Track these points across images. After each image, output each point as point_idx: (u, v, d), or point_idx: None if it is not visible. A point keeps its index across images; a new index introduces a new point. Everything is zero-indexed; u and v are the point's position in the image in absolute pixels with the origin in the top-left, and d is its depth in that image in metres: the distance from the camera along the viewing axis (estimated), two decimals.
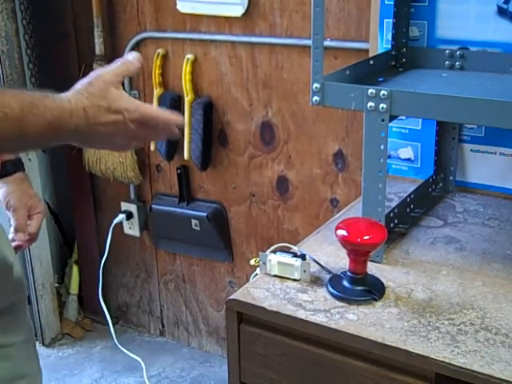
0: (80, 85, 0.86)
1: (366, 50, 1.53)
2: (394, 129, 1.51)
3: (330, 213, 1.84)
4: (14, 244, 1.13)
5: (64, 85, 0.89)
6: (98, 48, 2.02)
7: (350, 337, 0.97)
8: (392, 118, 1.11)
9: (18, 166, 1.20)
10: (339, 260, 1.15)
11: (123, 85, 0.91)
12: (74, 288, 2.47)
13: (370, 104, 1.09)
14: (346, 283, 1.07)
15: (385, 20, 1.45)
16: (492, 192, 1.44)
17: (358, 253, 1.04)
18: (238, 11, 1.81)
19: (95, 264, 2.31)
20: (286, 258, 1.11)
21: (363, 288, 1.06)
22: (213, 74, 1.93)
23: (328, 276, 1.11)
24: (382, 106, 1.08)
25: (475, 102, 1.02)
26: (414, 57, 1.41)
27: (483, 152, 1.44)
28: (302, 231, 1.91)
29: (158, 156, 2.09)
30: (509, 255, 1.20)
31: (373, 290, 1.05)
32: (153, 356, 2.29)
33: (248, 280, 1.14)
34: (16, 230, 1.14)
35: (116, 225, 2.23)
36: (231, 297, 1.08)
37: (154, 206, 2.16)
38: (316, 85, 1.12)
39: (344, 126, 1.78)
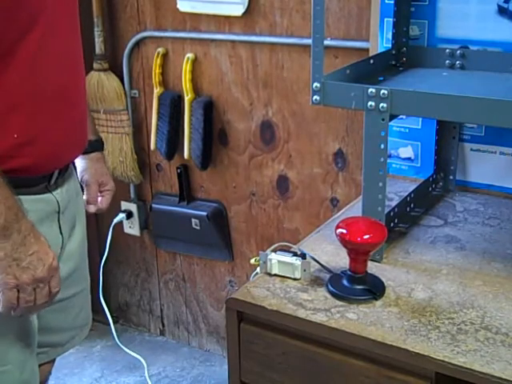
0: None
1: (367, 49, 1.53)
2: (395, 128, 1.51)
3: (330, 212, 1.84)
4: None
5: None
6: (98, 47, 2.02)
7: (350, 336, 0.97)
8: (392, 117, 1.11)
9: (96, 147, 1.36)
10: (339, 259, 1.15)
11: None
12: None
13: (371, 103, 1.09)
14: (346, 282, 1.07)
15: (385, 19, 1.45)
16: (492, 191, 1.44)
17: (358, 252, 1.04)
18: (238, 10, 1.81)
19: (95, 263, 2.30)
20: (287, 258, 1.11)
21: (363, 287, 1.06)
22: (213, 73, 1.93)
23: (328, 275, 1.11)
24: (382, 105, 1.08)
25: (475, 101, 1.02)
26: (415, 56, 1.41)
27: (483, 151, 1.44)
28: (303, 230, 1.91)
29: (158, 155, 2.09)
30: (509, 254, 1.20)
31: (373, 290, 1.05)
32: (153, 355, 2.29)
33: (248, 279, 1.15)
34: (87, 203, 1.36)
35: (116, 224, 2.23)
36: (231, 296, 1.08)
37: (154, 206, 2.15)
38: (316, 84, 1.12)
39: (344, 126, 1.78)
